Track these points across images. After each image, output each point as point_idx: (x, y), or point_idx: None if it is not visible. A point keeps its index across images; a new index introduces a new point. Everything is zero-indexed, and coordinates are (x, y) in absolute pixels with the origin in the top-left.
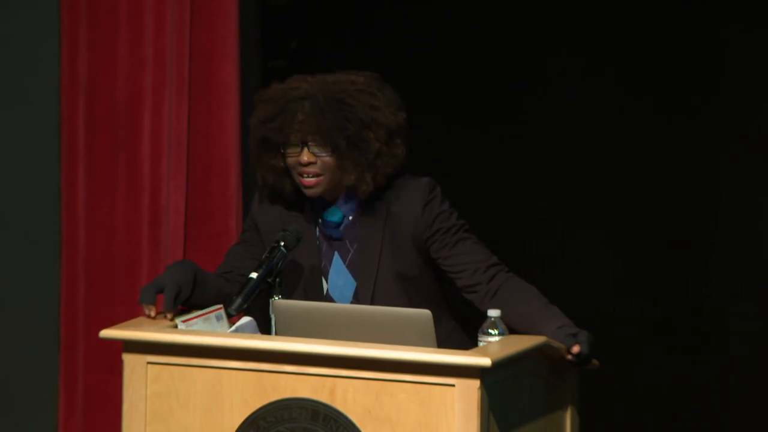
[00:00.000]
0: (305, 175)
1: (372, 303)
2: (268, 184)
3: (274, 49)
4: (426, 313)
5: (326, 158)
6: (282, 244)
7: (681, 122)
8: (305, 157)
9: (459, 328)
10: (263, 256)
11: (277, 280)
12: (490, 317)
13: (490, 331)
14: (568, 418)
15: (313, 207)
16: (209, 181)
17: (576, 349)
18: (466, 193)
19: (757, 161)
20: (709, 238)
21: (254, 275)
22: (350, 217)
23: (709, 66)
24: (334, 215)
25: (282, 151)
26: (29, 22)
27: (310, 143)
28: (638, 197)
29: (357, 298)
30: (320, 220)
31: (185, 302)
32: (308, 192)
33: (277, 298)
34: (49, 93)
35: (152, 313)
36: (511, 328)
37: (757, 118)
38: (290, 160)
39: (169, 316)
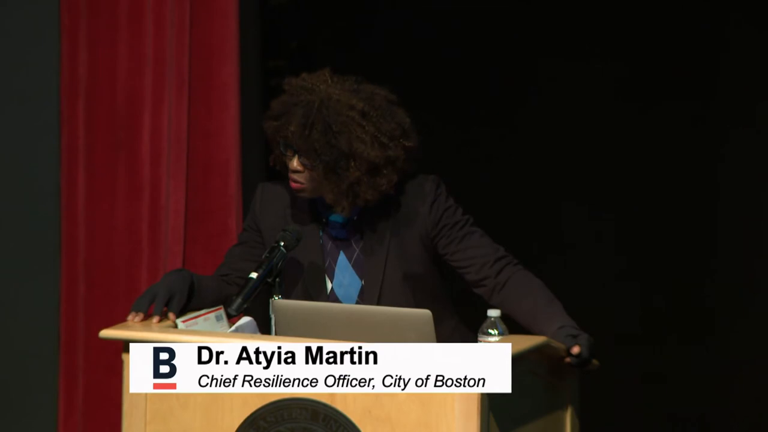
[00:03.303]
0: (292, 179)
1: (378, 302)
2: (277, 168)
3: (274, 49)
4: (426, 313)
5: (312, 171)
6: (282, 244)
7: (681, 122)
8: (294, 163)
9: (461, 326)
10: (263, 256)
11: (277, 280)
12: (490, 317)
13: (490, 331)
14: (568, 418)
15: (317, 206)
16: (209, 181)
17: (576, 349)
18: (467, 192)
19: (758, 159)
20: (711, 237)
21: (254, 275)
22: (355, 217)
23: (709, 65)
24: (337, 216)
25: (281, 150)
26: (29, 22)
27: (301, 153)
28: (639, 196)
29: (362, 297)
30: (324, 220)
31: (183, 309)
32: (297, 194)
33: (277, 298)
34: (49, 93)
35: (136, 320)
36: (513, 321)
37: (757, 117)
38: (285, 160)
39: (154, 319)
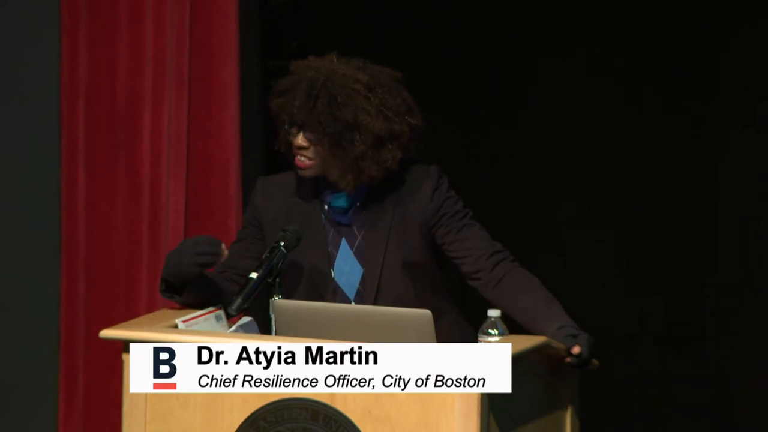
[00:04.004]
0: (298, 156)
1: (378, 290)
2: (282, 152)
3: (274, 49)
4: (426, 313)
5: (317, 146)
6: (282, 244)
7: (681, 122)
8: (299, 140)
9: (460, 318)
10: (263, 256)
11: (277, 280)
12: (490, 317)
13: (490, 331)
14: (568, 418)
15: (320, 193)
16: (209, 181)
17: (576, 349)
18: (467, 192)
19: (758, 159)
20: (711, 237)
21: (254, 275)
22: (358, 204)
23: (709, 65)
24: (340, 201)
25: (286, 127)
26: (29, 22)
27: (305, 127)
28: (639, 196)
29: (363, 285)
30: (327, 207)
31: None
32: (300, 173)
33: (277, 298)
34: (49, 93)
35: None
36: (512, 320)
37: (757, 117)
38: (290, 138)
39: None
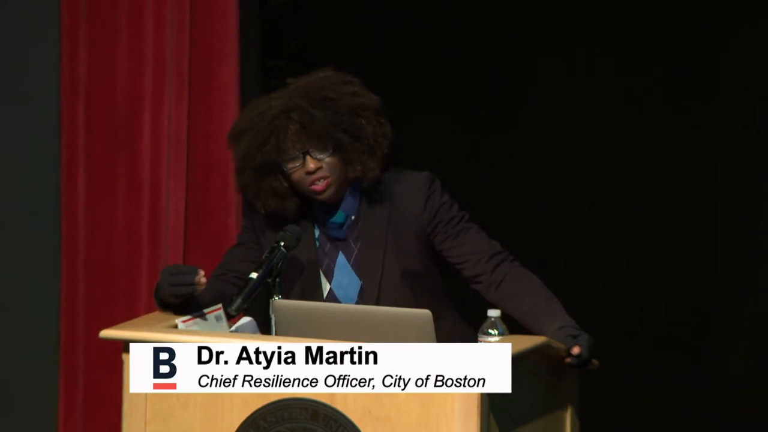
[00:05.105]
0: (315, 182)
1: (377, 301)
2: (271, 210)
3: (274, 49)
4: (426, 313)
5: (329, 159)
6: (282, 244)
7: (681, 122)
8: (311, 164)
9: (460, 321)
10: (263, 256)
11: (277, 280)
12: (490, 317)
13: (490, 331)
14: (568, 418)
15: (312, 209)
16: (209, 181)
17: (576, 350)
18: (467, 192)
19: (758, 159)
20: (711, 237)
21: (254, 275)
22: (353, 217)
23: (709, 65)
24: (337, 217)
25: (284, 169)
26: (29, 22)
27: (310, 150)
28: (639, 196)
29: (362, 297)
30: (323, 222)
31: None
32: (321, 196)
33: (277, 298)
34: (49, 93)
35: (203, 281)
36: (512, 320)
37: (757, 117)
38: (295, 176)
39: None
